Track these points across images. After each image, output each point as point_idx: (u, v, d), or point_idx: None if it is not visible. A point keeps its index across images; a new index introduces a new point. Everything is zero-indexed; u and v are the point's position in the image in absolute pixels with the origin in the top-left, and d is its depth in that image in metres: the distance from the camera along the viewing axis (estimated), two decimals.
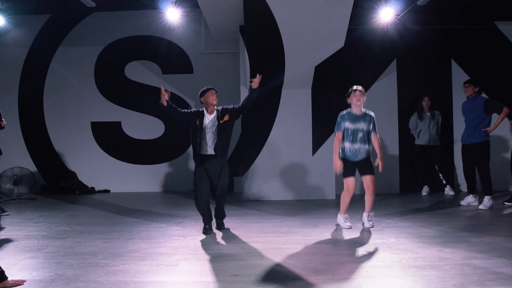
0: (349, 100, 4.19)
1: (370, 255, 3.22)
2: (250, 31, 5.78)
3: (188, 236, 4.00)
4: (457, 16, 6.80)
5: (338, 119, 4.21)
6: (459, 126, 6.75)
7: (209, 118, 4.15)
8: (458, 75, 6.92)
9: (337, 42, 5.66)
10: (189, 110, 4.28)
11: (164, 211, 5.49)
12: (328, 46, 5.71)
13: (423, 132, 6.54)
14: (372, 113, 4.21)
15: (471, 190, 5.41)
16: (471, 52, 6.91)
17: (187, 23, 7.40)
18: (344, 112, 4.22)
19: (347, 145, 4.18)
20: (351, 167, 4.18)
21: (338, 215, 4.36)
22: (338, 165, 4.14)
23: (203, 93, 4.21)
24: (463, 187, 6.76)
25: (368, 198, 4.18)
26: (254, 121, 6.31)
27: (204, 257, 3.26)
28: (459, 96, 6.78)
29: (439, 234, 3.83)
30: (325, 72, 6.14)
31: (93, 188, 7.67)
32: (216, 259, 3.20)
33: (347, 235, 3.93)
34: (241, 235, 3.99)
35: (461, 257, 3.10)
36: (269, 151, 6.32)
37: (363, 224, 4.27)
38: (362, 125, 4.12)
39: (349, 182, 4.18)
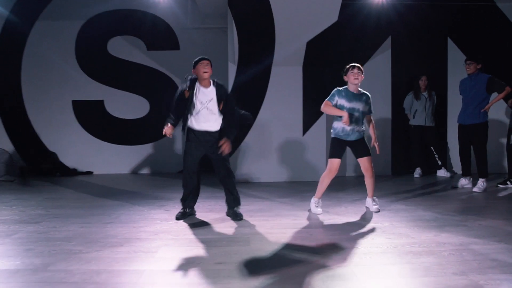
0: (345, 78, 3.90)
1: (363, 240, 3.03)
2: (239, 5, 5.45)
3: (170, 220, 3.77)
4: None
5: (334, 91, 3.89)
6: (453, 106, 6.57)
7: (203, 92, 3.64)
8: (454, 54, 6.69)
9: (331, 16, 5.37)
10: (181, 90, 3.72)
11: (147, 193, 5.25)
12: (321, 20, 5.42)
13: (419, 112, 6.34)
14: (368, 93, 3.97)
15: (466, 172, 5.26)
16: (468, 30, 6.68)
17: None
18: (341, 88, 3.92)
19: (339, 124, 3.90)
20: (340, 147, 3.92)
21: (312, 198, 4.07)
22: (344, 113, 3.74)
23: (194, 65, 3.67)
24: (456, 168, 6.63)
25: (369, 182, 3.96)
26: (242, 100, 6.00)
27: (186, 243, 3.04)
28: (454, 75, 6.61)
29: (434, 218, 3.67)
30: (317, 49, 5.86)
31: (75, 170, 7.37)
32: (199, 245, 2.98)
33: (339, 219, 3.74)
34: (227, 219, 3.77)
35: (459, 242, 2.93)
36: (258, 130, 6.08)
37: (367, 208, 4.08)
38: (358, 105, 3.86)
39: (334, 163, 3.89)
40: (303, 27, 5.51)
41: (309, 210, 4.06)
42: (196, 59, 3.71)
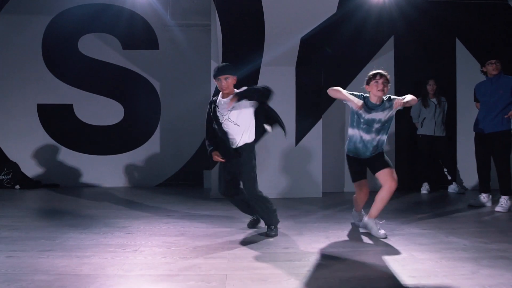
0: (368, 88, 3.24)
1: (379, 280, 2.24)
2: None
3: (128, 247, 2.95)
4: None
5: (357, 94, 3.25)
6: (463, 113, 5.90)
7: (223, 101, 3.20)
8: (463, 56, 6.05)
9: (329, 7, 4.68)
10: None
11: (112, 210, 4.42)
12: (318, 13, 4.72)
13: (428, 120, 5.63)
14: (390, 96, 3.23)
15: (485, 189, 4.54)
16: (479, 30, 6.04)
17: None
18: (364, 95, 3.27)
19: (355, 133, 3.23)
20: (358, 165, 3.35)
21: (371, 220, 3.29)
22: (356, 100, 3.11)
23: (214, 76, 3.27)
24: (467, 183, 5.92)
25: (385, 196, 3.19)
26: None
27: (137, 284, 2.23)
28: (464, 79, 5.97)
29: (462, 247, 2.90)
30: (312, 48, 5.17)
31: (38, 182, 6.50)
32: (154, 287, 2.17)
33: (342, 247, 2.96)
34: (199, 247, 2.96)
35: (509, 283, 2.16)
36: None
37: (360, 228, 3.40)
38: (379, 115, 3.18)
39: (360, 186, 3.39)
40: (297, 20, 4.81)
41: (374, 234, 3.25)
42: (215, 72, 3.25)
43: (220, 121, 3.20)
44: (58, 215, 4.15)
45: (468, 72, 5.92)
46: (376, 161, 3.26)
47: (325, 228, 3.51)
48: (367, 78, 3.26)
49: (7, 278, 2.28)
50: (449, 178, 5.71)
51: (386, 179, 3.17)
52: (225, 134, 3.21)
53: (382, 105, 3.19)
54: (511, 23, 6.07)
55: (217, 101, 3.27)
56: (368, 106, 3.19)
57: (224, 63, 3.40)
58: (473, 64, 5.95)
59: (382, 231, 3.20)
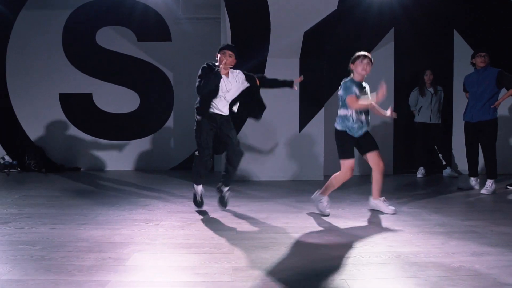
0: (352, 67, 3.57)
1: (362, 248, 2.69)
2: None
3: (151, 221, 3.44)
4: None
5: (347, 83, 3.53)
6: (459, 103, 6.22)
7: (224, 81, 3.65)
8: (461, 47, 6.34)
9: (330, 4, 5.02)
10: (203, 72, 3.62)
11: (133, 191, 4.92)
12: (320, 9, 5.07)
13: (424, 108, 5.99)
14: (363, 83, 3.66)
15: (473, 173, 4.92)
16: (476, 22, 6.31)
17: None
18: (348, 79, 3.59)
19: (349, 113, 3.52)
20: (351, 143, 3.59)
21: (318, 195, 3.68)
22: (371, 97, 3.45)
23: (220, 50, 3.72)
24: (462, 168, 6.29)
25: (379, 178, 3.61)
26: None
27: (163, 249, 2.71)
28: (461, 70, 6.26)
29: (440, 223, 3.33)
30: (316, 41, 5.51)
31: (62, 166, 7.03)
32: (176, 252, 2.65)
33: (335, 222, 3.40)
34: (213, 221, 3.44)
35: (471, 251, 2.59)
36: (252, 127, 5.72)
37: (371, 211, 3.75)
38: (366, 95, 3.58)
39: (350, 164, 3.55)
40: (300, 16, 5.16)
41: (318, 210, 3.66)
42: (220, 47, 3.73)
43: (219, 95, 3.63)
44: (85, 195, 4.67)
45: (465, 62, 6.17)
46: (366, 141, 3.59)
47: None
48: (352, 58, 3.57)
49: (55, 244, 2.78)
50: (444, 163, 6.09)
51: (378, 161, 3.57)
52: (214, 107, 3.67)
53: (364, 85, 3.57)
54: (507, 15, 6.32)
55: (219, 76, 3.60)
56: (357, 85, 3.50)
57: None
58: (470, 55, 6.13)
59: (391, 207, 3.64)
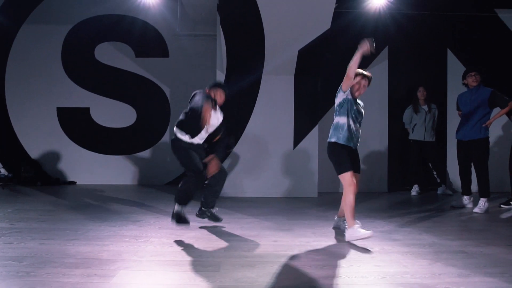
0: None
1: (349, 268, 2.69)
2: (226, 9, 5.21)
3: (141, 237, 3.44)
4: (455, 1, 6.27)
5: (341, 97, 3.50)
6: (453, 120, 6.25)
7: (213, 114, 3.79)
8: (454, 66, 6.41)
9: (323, 24, 5.11)
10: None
11: (126, 206, 4.91)
12: (313, 28, 5.16)
13: (418, 126, 6.02)
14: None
15: (466, 191, 4.92)
16: (469, 42, 6.40)
17: (163, 2, 6.74)
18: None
19: (345, 121, 3.41)
20: (346, 156, 3.41)
21: (348, 229, 3.31)
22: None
23: (213, 87, 3.87)
24: (456, 186, 6.29)
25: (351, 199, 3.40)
26: (230, 110, 5.71)
27: (150, 266, 2.71)
28: (454, 88, 6.32)
29: (430, 243, 3.32)
30: (310, 58, 5.58)
31: (57, 179, 7.05)
32: (162, 269, 2.65)
33: (324, 240, 3.40)
34: (202, 238, 3.43)
35: (457, 273, 2.59)
36: (246, 143, 5.76)
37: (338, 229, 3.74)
38: (361, 110, 3.56)
39: (351, 177, 3.35)
40: (294, 35, 5.24)
41: (361, 238, 3.26)
42: (215, 84, 3.91)
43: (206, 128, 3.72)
44: (78, 209, 4.67)
45: (458, 81, 6.22)
46: (355, 159, 3.54)
47: (313, 225, 3.94)
48: (355, 73, 3.41)
49: (42, 260, 2.77)
50: (438, 180, 6.09)
51: (356, 185, 3.41)
52: (199, 138, 3.76)
53: (359, 104, 3.55)
54: (500, 34, 6.41)
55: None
56: (354, 100, 3.47)
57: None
58: (462, 73, 6.30)
59: (351, 231, 3.31)
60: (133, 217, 4.29)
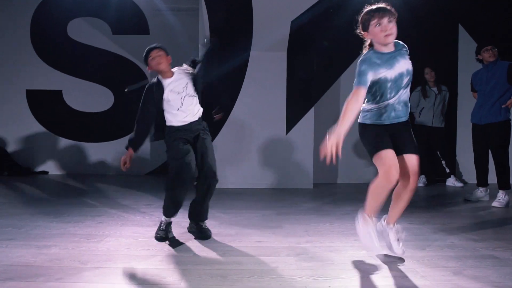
0: (366, 35, 2.30)
1: (350, 280, 2.06)
2: None
3: (94, 237, 2.80)
4: None
5: (363, 66, 2.21)
6: (464, 104, 5.62)
7: (169, 84, 2.81)
8: (466, 44, 5.76)
9: None
10: (144, 98, 2.85)
11: (92, 198, 4.28)
12: None
13: (426, 110, 5.36)
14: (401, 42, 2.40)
15: (482, 183, 4.30)
16: (483, 16, 5.74)
17: None
18: (369, 54, 2.26)
19: (389, 104, 2.30)
20: (385, 135, 2.32)
21: (362, 226, 2.39)
22: (335, 142, 2.05)
23: (145, 60, 2.86)
24: (467, 177, 5.67)
25: (407, 197, 2.34)
26: (214, 91, 5.05)
27: (90, 277, 2.07)
28: (466, 68, 5.66)
29: (449, 244, 2.70)
30: (305, 34, 4.92)
31: (28, 169, 6.40)
32: (106, 282, 2.02)
33: (319, 241, 2.77)
34: (170, 238, 2.79)
35: (491, 284, 1.97)
36: (233, 128, 5.11)
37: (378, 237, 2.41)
38: (404, 66, 2.28)
39: (391, 158, 2.24)
40: (285, 1, 4.58)
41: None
42: (144, 53, 2.88)
43: (178, 103, 2.81)
44: (35, 203, 4.03)
45: (471, 60, 5.62)
46: (402, 133, 2.35)
47: (306, 221, 3.32)
48: (362, 21, 2.29)
49: None
50: (447, 171, 5.47)
51: (415, 172, 2.30)
52: (183, 116, 2.83)
53: (399, 50, 2.32)
54: None
55: (163, 84, 2.81)
56: (386, 60, 2.24)
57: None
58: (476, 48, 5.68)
59: (401, 248, 2.35)
60: (95, 211, 3.65)
